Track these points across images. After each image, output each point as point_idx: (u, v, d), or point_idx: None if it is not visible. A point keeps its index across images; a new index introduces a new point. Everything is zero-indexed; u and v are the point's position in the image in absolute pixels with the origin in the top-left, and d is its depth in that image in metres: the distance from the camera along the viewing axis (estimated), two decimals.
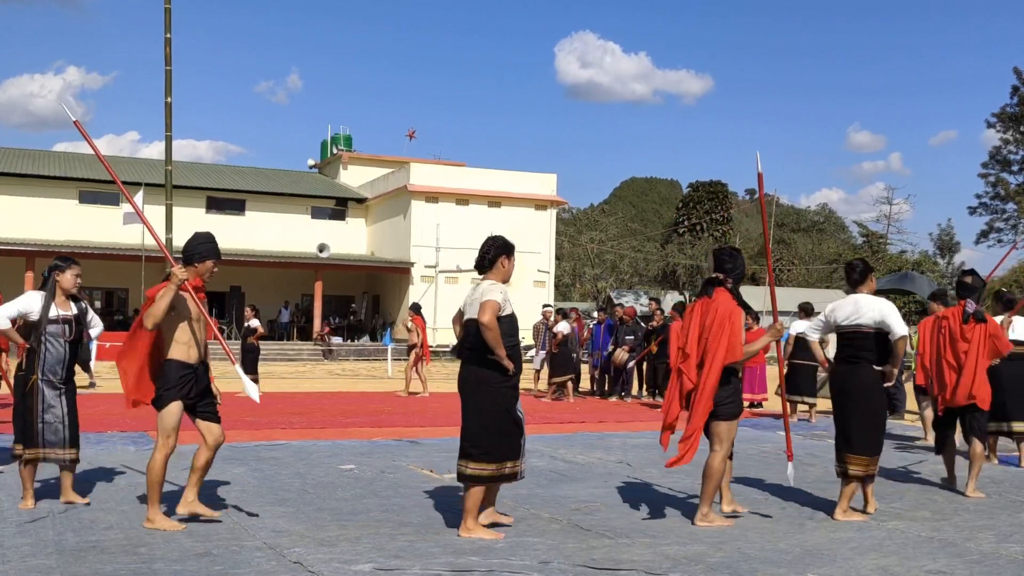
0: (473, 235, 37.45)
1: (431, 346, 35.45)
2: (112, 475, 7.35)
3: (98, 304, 39.01)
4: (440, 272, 36.30)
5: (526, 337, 31.14)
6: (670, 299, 52.76)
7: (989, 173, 54.75)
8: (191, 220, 36.33)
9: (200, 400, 5.60)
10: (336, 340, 35.67)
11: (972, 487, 7.22)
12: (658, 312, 17.40)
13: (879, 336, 6.25)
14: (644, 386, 17.62)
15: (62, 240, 33.83)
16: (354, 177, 43.81)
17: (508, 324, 5.39)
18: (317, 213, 40.78)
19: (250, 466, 8.02)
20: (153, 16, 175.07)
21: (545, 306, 20.33)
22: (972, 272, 7.81)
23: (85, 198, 36.93)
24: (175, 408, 5.47)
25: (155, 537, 5.24)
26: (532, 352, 20.65)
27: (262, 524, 5.68)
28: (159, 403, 5.47)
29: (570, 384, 16.59)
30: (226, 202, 39.34)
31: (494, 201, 37.64)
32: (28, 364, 5.99)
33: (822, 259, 63.78)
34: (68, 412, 6.04)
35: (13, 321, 6.14)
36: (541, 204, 38.85)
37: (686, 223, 63.66)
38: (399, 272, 36.90)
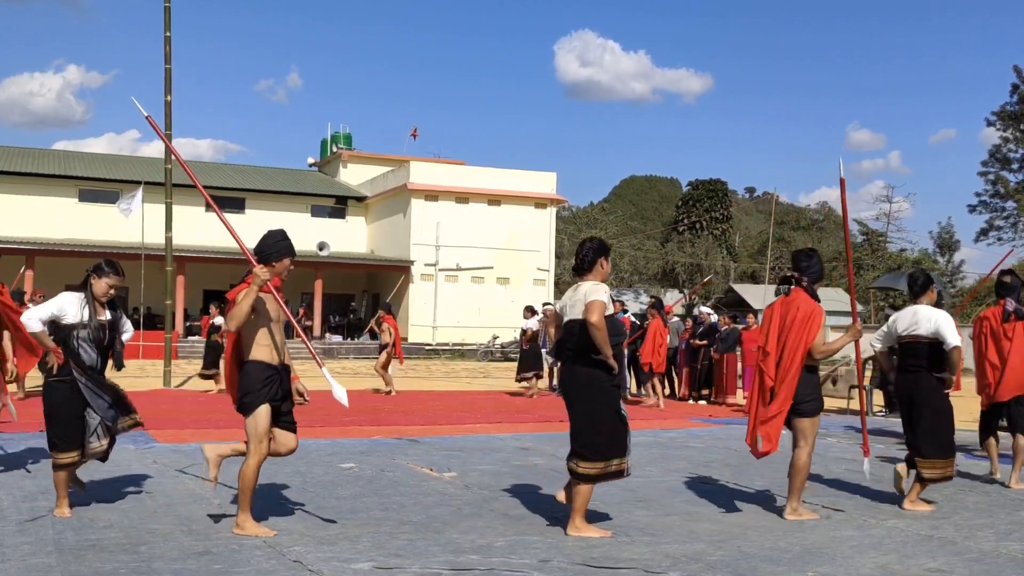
0: (473, 234, 37.52)
1: (431, 344, 35.76)
2: (112, 474, 7.34)
3: None
4: (440, 271, 36.30)
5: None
6: (670, 297, 52.76)
7: (989, 171, 54.72)
8: (191, 219, 36.42)
9: (282, 403, 5.47)
10: (336, 339, 35.69)
11: (1015, 479, 7.57)
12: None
13: (934, 346, 6.52)
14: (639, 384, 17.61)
15: (62, 238, 33.84)
16: (354, 175, 43.80)
17: (611, 324, 5.46)
18: (317, 211, 40.78)
19: None
20: (153, 15, 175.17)
21: (545, 304, 20.34)
22: (1011, 272, 8.22)
23: (85, 196, 36.94)
24: (264, 412, 5.31)
25: (155, 536, 5.24)
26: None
27: (262, 523, 5.66)
28: (246, 408, 5.32)
29: (535, 380, 16.65)
30: (226, 201, 39.26)
31: (494, 199, 37.64)
32: (61, 369, 5.77)
33: (822, 257, 63.81)
34: (111, 403, 5.92)
35: (45, 323, 5.86)
36: (541, 202, 38.85)
37: (686, 221, 63.71)
38: (399, 270, 36.91)
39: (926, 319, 6.56)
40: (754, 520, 6.10)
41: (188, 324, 34.61)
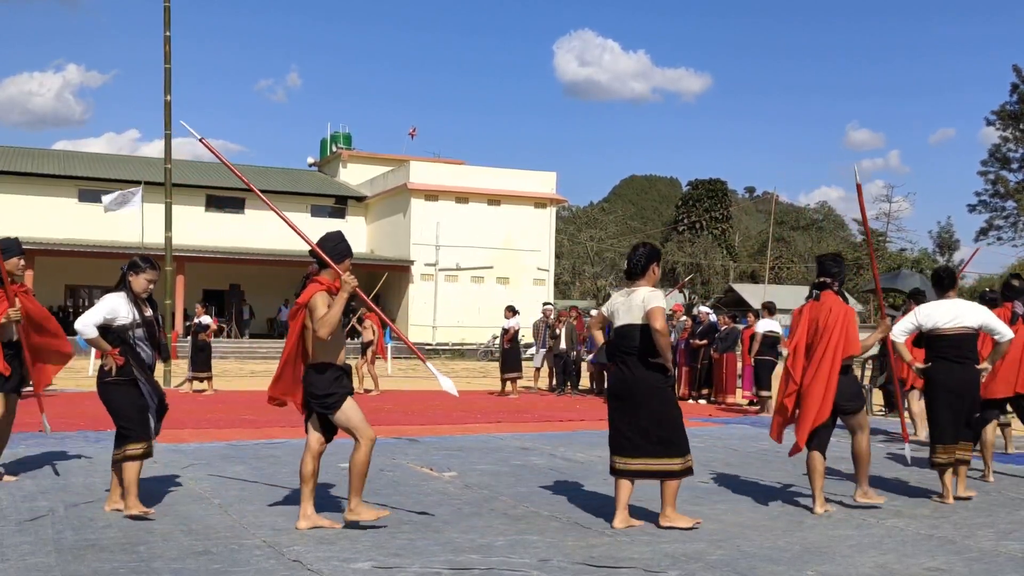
0: (473, 233, 37.52)
1: (431, 344, 35.75)
2: (111, 473, 7.34)
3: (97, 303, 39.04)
4: (440, 270, 36.30)
5: (526, 335, 31.23)
6: (670, 298, 52.78)
7: (989, 171, 54.75)
8: (191, 218, 36.48)
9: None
10: None
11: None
12: None
13: (976, 337, 6.95)
14: None
15: (61, 238, 33.84)
16: (353, 175, 43.81)
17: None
18: (317, 211, 40.78)
19: (249, 464, 8.02)
20: (153, 14, 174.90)
21: (545, 304, 20.34)
22: (1019, 276, 8.47)
23: (84, 196, 36.93)
24: (352, 402, 5.47)
25: (154, 535, 5.24)
26: (532, 350, 20.66)
27: (261, 522, 5.68)
28: (333, 407, 5.42)
29: (516, 383, 16.72)
30: (226, 200, 39.36)
31: (494, 199, 37.65)
32: (121, 369, 5.72)
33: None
34: (158, 407, 5.94)
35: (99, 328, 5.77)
36: (541, 202, 38.86)
37: (686, 221, 63.72)
38: (399, 270, 36.91)
39: (971, 312, 6.90)
40: (753, 519, 6.10)
41: (187, 324, 34.59)
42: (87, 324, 5.68)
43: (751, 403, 15.40)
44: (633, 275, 5.79)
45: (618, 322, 5.77)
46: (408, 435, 10.34)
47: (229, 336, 35.23)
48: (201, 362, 16.15)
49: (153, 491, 6.62)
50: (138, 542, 5.08)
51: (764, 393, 14.07)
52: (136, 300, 5.87)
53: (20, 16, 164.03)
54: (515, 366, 16.57)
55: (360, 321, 17.26)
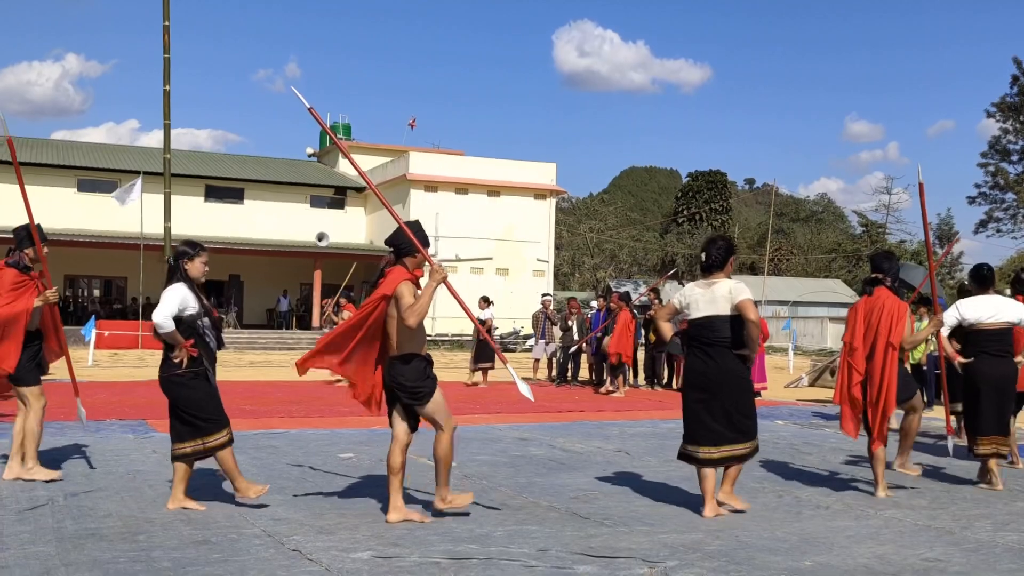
0: (472, 224, 37.49)
1: (430, 335, 35.68)
2: (111, 463, 7.36)
3: (96, 293, 39.04)
4: (439, 261, 36.26)
5: (525, 326, 31.15)
6: (669, 288, 52.76)
7: (988, 163, 54.68)
8: (190, 209, 36.44)
9: None
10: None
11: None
12: (656, 302, 17.43)
13: (1012, 332, 7.29)
14: (642, 375, 17.66)
15: (60, 228, 33.74)
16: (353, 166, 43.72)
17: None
18: (316, 202, 40.75)
19: (249, 454, 8.02)
20: (152, 4, 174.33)
21: (544, 295, 20.33)
22: None
23: (83, 186, 36.90)
24: (440, 394, 5.47)
25: (154, 525, 5.25)
26: (532, 341, 20.67)
27: (261, 512, 5.69)
28: (424, 397, 5.42)
29: (486, 374, 16.81)
30: (225, 190, 39.30)
31: (493, 190, 37.61)
32: (193, 361, 5.56)
33: (821, 249, 63.76)
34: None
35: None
36: (540, 193, 38.81)
37: (685, 212, 63.66)
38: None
39: (1010, 308, 7.25)
40: (752, 510, 6.10)
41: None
42: (166, 317, 5.43)
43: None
44: (712, 268, 5.93)
45: (697, 314, 5.88)
46: None
47: (229, 326, 35.21)
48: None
49: (153, 481, 6.64)
50: (138, 531, 5.09)
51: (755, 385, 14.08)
52: (197, 288, 5.70)
53: (19, 4, 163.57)
54: (488, 357, 16.66)
55: (337, 311, 17.19)
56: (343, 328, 5.60)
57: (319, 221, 38.69)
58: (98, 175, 37.28)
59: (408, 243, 5.52)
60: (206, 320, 5.68)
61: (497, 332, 34.89)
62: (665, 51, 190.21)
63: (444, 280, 5.40)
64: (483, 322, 16.77)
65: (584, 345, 17.28)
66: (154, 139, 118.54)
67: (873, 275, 6.81)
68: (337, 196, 41.38)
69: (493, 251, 37.12)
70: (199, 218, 37.21)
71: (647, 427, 10.90)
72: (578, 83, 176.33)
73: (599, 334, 16.75)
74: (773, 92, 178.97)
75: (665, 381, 17.33)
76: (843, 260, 60.61)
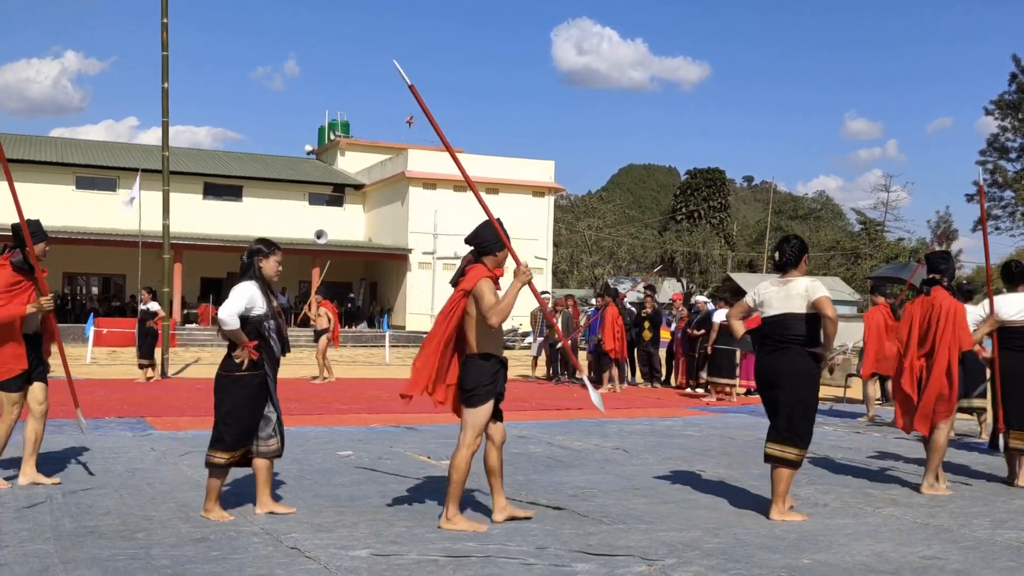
0: (471, 222, 37.05)
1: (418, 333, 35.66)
2: (109, 461, 7.36)
3: (95, 290, 39.03)
4: (437, 259, 36.27)
5: (523, 324, 31.15)
6: (667, 286, 52.77)
7: (987, 160, 54.66)
8: (188, 206, 36.42)
9: (501, 397, 5.40)
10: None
11: None
12: (649, 299, 17.44)
13: None
14: (637, 373, 17.67)
15: (59, 226, 33.71)
16: (352, 163, 43.70)
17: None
18: (314, 199, 40.72)
19: None
20: (151, 1, 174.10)
21: (543, 293, 20.35)
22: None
23: (82, 184, 36.87)
24: (489, 407, 5.29)
25: (152, 523, 5.25)
26: (529, 339, 20.68)
27: (261, 508, 5.68)
28: (474, 401, 5.25)
29: None
30: (223, 188, 39.27)
31: (492, 188, 37.57)
32: (253, 363, 5.41)
33: (819, 246, 63.73)
34: (277, 405, 5.64)
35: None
36: (539, 191, 38.80)
37: (684, 210, 63.62)
38: (397, 259, 36.88)
39: None
40: (750, 508, 6.11)
41: (185, 312, 34.62)
42: (232, 314, 5.29)
43: (748, 392, 15.41)
44: (786, 267, 5.99)
45: (771, 312, 5.91)
46: (406, 423, 10.35)
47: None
48: (147, 348, 15.70)
49: (152, 478, 6.64)
50: (136, 529, 5.09)
51: (723, 380, 14.22)
52: (267, 289, 5.54)
53: (19, 2, 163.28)
54: None
55: (311, 307, 17.17)
56: (434, 342, 5.37)
57: (318, 219, 38.66)
58: (97, 172, 37.25)
59: (488, 241, 5.41)
60: (272, 323, 5.51)
61: None
62: (664, 49, 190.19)
63: (529, 281, 5.28)
64: None
65: (567, 342, 17.31)
66: (153, 136, 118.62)
67: (930, 276, 6.99)
68: (336, 194, 41.35)
69: None
70: (198, 215, 37.20)
71: (645, 425, 10.91)
72: (577, 81, 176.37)
73: (586, 331, 16.76)
74: (771, 90, 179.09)
75: (664, 379, 17.33)
76: (841, 258, 60.55)
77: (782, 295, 5.89)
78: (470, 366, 5.31)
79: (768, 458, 5.87)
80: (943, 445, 6.77)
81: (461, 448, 5.28)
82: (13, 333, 6.13)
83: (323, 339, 16.45)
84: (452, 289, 5.48)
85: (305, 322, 16.33)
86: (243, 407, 5.41)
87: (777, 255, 6.06)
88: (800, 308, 5.80)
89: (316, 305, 16.82)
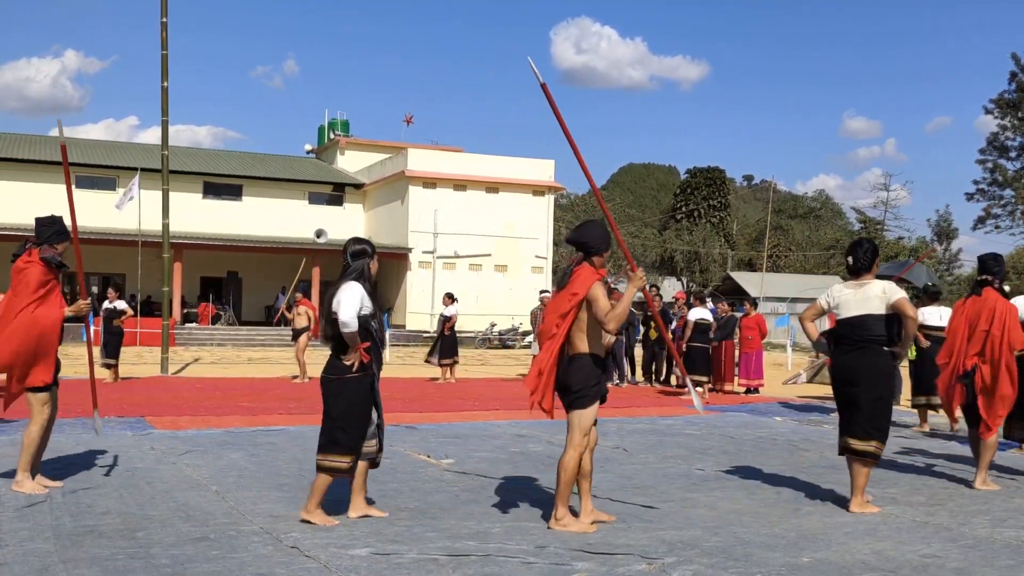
0: (471, 221, 37.47)
1: (429, 332, 35.71)
2: (109, 460, 7.36)
3: (95, 290, 39.02)
4: (438, 258, 36.27)
5: (524, 323, 31.11)
6: (668, 285, 52.77)
7: (987, 159, 54.67)
8: (188, 205, 36.41)
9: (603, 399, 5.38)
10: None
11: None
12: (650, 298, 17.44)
13: None
14: (638, 371, 17.66)
15: None
16: (351, 162, 43.70)
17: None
18: (314, 198, 40.70)
19: (247, 451, 8.03)
20: (151, 0, 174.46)
21: (542, 292, 20.34)
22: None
23: (82, 183, 36.80)
24: (595, 409, 5.28)
25: (152, 522, 5.26)
26: (530, 338, 20.67)
27: (259, 509, 5.69)
28: (582, 403, 5.23)
29: (453, 368, 16.89)
30: (223, 187, 39.26)
31: (492, 187, 37.58)
32: (363, 365, 5.36)
33: (819, 245, 63.75)
34: (380, 408, 5.62)
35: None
36: (539, 190, 38.78)
37: (684, 209, 63.59)
38: (397, 258, 36.88)
39: None
40: (750, 506, 6.12)
41: (185, 311, 34.61)
42: (353, 317, 5.20)
43: (747, 391, 15.42)
44: (860, 270, 6.19)
45: (848, 313, 6.11)
46: (406, 422, 10.35)
47: (229, 323, 35.21)
48: (113, 348, 15.39)
49: (152, 478, 6.64)
50: (136, 528, 5.09)
51: (697, 378, 14.31)
52: (373, 290, 5.44)
53: (18, 1, 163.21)
54: (452, 352, 16.75)
55: (290, 307, 17.15)
56: (554, 346, 5.33)
57: (317, 218, 38.65)
58: (97, 172, 37.24)
59: (597, 242, 5.35)
60: (375, 323, 5.43)
61: (496, 329, 35.04)
62: (663, 48, 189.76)
63: (643, 287, 5.28)
64: (448, 318, 16.84)
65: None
66: (153, 135, 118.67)
67: (981, 276, 7.19)
68: (335, 193, 41.33)
69: (492, 248, 37.12)
70: (197, 215, 37.20)
71: (645, 424, 10.91)
72: (576, 80, 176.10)
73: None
74: (771, 89, 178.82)
75: (663, 378, 17.33)
76: (841, 257, 60.63)
77: (859, 297, 6.11)
78: (577, 367, 5.27)
79: (849, 452, 6.07)
80: (995, 443, 7.00)
81: (568, 449, 5.26)
82: (52, 343, 6.03)
83: (302, 338, 16.41)
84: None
85: (284, 321, 16.35)
86: (356, 408, 5.38)
87: (851, 260, 6.26)
88: (878, 309, 6.01)
89: (296, 304, 16.87)
